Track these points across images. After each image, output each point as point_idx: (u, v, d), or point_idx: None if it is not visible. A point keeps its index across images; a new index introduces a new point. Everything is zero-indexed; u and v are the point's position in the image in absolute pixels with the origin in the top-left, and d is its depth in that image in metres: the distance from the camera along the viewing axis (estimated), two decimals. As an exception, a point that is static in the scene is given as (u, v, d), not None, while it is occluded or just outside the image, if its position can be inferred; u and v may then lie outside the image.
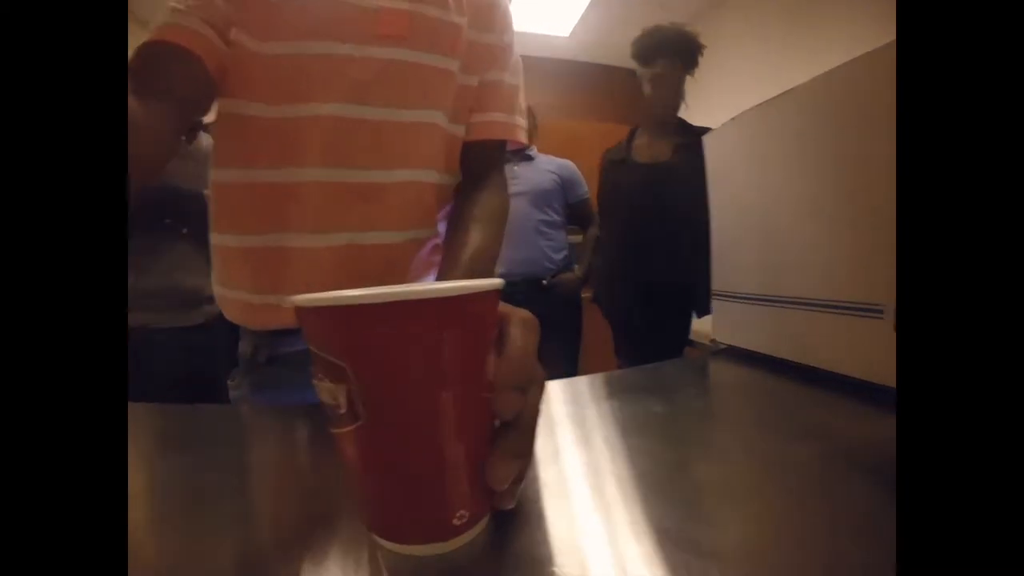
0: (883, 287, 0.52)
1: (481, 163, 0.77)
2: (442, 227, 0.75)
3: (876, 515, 0.30)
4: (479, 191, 0.74)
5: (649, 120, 1.90)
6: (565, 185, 2.28)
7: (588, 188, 2.32)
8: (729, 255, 0.81)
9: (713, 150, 0.88)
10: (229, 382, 0.78)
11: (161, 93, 0.56)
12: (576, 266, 2.33)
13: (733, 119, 0.80)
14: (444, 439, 0.26)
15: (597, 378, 0.64)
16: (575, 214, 2.32)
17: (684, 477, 0.37)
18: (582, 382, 0.63)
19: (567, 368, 2.23)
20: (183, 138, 1.49)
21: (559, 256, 2.28)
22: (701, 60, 1.82)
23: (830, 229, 0.58)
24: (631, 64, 1.92)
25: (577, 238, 2.42)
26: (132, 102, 0.52)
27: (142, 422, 0.55)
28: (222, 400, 1.67)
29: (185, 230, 1.55)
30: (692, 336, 1.94)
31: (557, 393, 0.59)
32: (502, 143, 0.78)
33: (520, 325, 0.30)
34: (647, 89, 1.84)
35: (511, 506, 0.30)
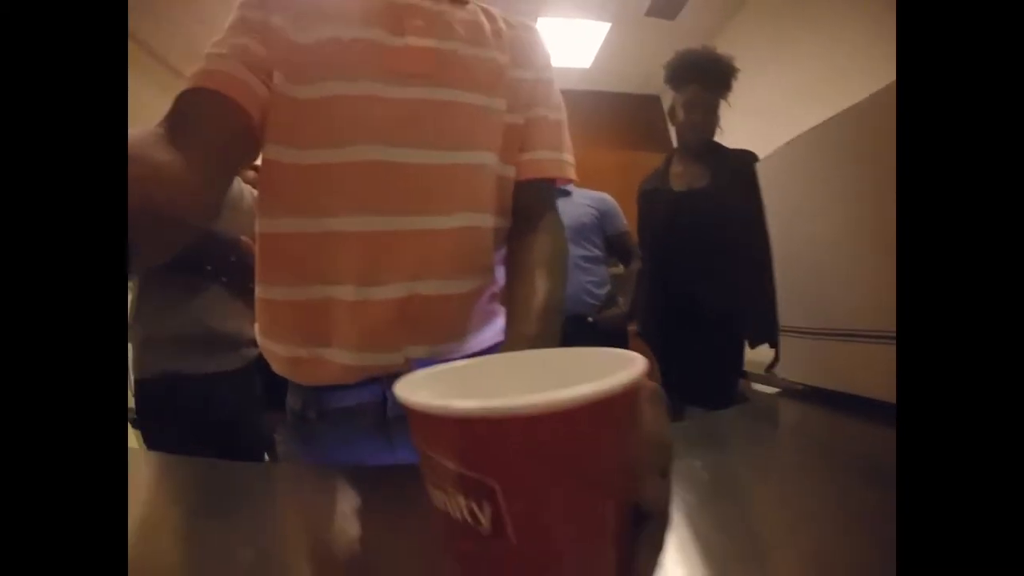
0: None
1: (533, 204, 0.73)
2: (498, 273, 0.72)
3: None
4: (535, 234, 0.70)
5: (683, 146, 1.85)
6: (603, 218, 2.25)
7: (627, 220, 2.28)
8: (799, 287, 0.76)
9: (768, 177, 0.83)
10: (276, 436, 0.75)
11: (201, 144, 0.53)
12: (620, 300, 2.27)
13: (788, 143, 0.75)
14: (599, 546, 0.23)
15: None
16: (615, 248, 2.28)
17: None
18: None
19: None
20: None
21: (602, 291, 2.23)
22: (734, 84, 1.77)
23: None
24: (654, 91, 1.90)
25: (619, 270, 2.36)
26: (171, 154, 0.50)
27: (179, 478, 0.53)
28: (258, 447, 1.71)
29: (225, 279, 1.54)
30: (746, 366, 1.85)
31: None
32: (552, 182, 0.75)
33: (651, 400, 0.27)
34: (680, 115, 1.79)
35: None
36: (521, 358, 0.29)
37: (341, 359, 0.61)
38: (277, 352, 0.66)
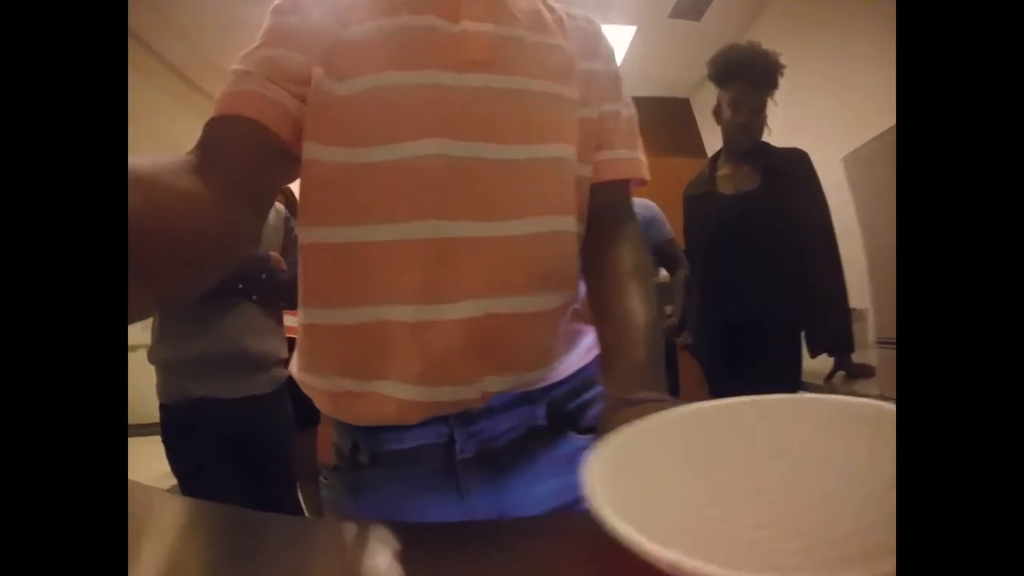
0: None
1: (613, 210, 0.65)
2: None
3: None
4: (619, 244, 0.63)
5: (730, 147, 1.77)
6: (647, 227, 2.16)
7: (671, 228, 2.20)
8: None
9: (856, 174, 0.74)
10: (322, 479, 0.66)
11: (231, 172, 0.49)
12: (668, 310, 2.18)
13: (875, 137, 0.67)
14: None
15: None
16: (660, 256, 2.19)
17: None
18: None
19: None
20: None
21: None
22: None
23: None
24: (682, 93, 1.83)
25: (664, 279, 2.27)
26: (200, 184, 0.46)
27: (210, 529, 0.48)
28: (292, 475, 1.68)
29: (255, 297, 1.48)
30: (804, 378, 1.75)
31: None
32: (627, 184, 0.67)
33: None
34: (726, 113, 1.71)
35: None
36: (732, 408, 0.27)
37: (400, 394, 0.52)
38: (319, 387, 0.57)
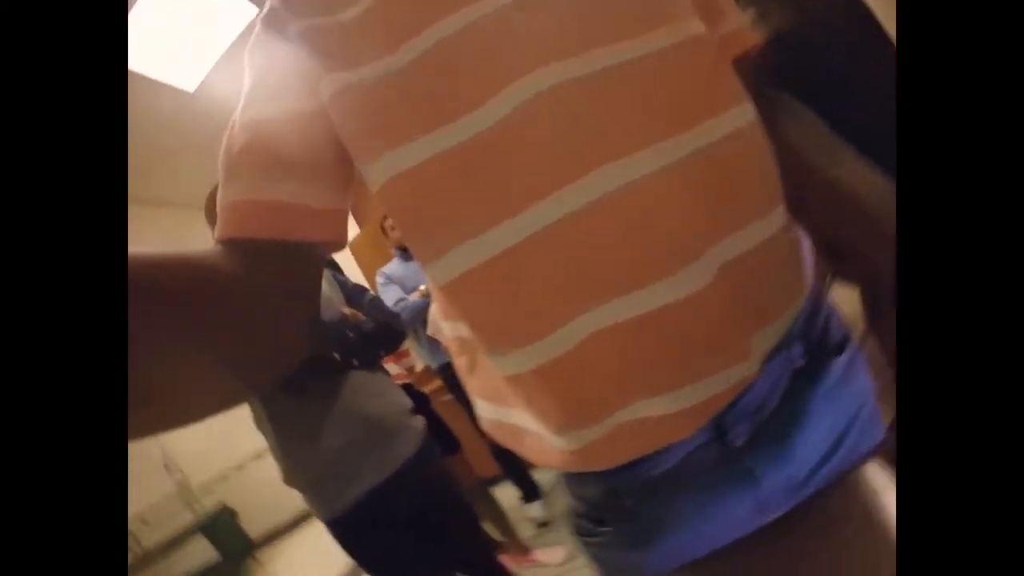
0: None
1: (757, 88, 0.49)
2: None
3: None
4: (787, 117, 0.50)
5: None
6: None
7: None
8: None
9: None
10: (587, 539, 0.51)
11: (282, 291, 0.43)
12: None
13: None
14: None
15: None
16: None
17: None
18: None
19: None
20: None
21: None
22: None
23: None
24: None
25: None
26: (245, 302, 0.39)
27: None
28: (471, 517, 1.53)
29: (356, 361, 1.37)
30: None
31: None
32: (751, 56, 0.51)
33: None
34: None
35: None
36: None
37: (657, 410, 0.39)
38: (557, 448, 0.44)
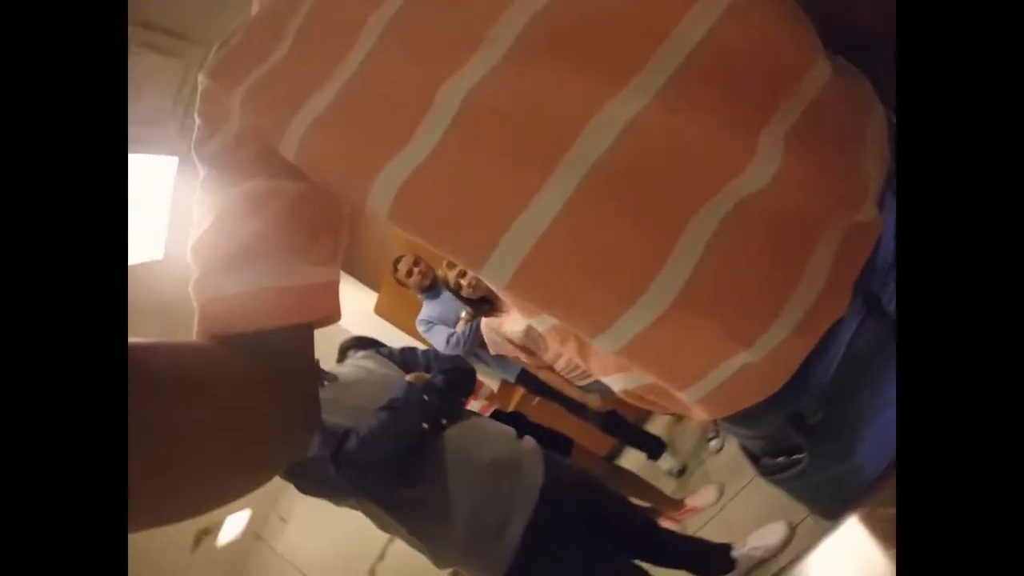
0: None
1: None
2: None
3: None
4: None
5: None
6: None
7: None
8: None
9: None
10: (782, 475, 0.47)
11: (287, 382, 0.42)
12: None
13: None
14: None
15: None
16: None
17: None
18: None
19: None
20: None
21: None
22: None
23: None
24: None
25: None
26: (246, 391, 0.39)
27: None
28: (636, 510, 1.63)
29: (444, 421, 1.33)
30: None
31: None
32: None
33: None
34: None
35: None
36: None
37: (749, 359, 0.36)
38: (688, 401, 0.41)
